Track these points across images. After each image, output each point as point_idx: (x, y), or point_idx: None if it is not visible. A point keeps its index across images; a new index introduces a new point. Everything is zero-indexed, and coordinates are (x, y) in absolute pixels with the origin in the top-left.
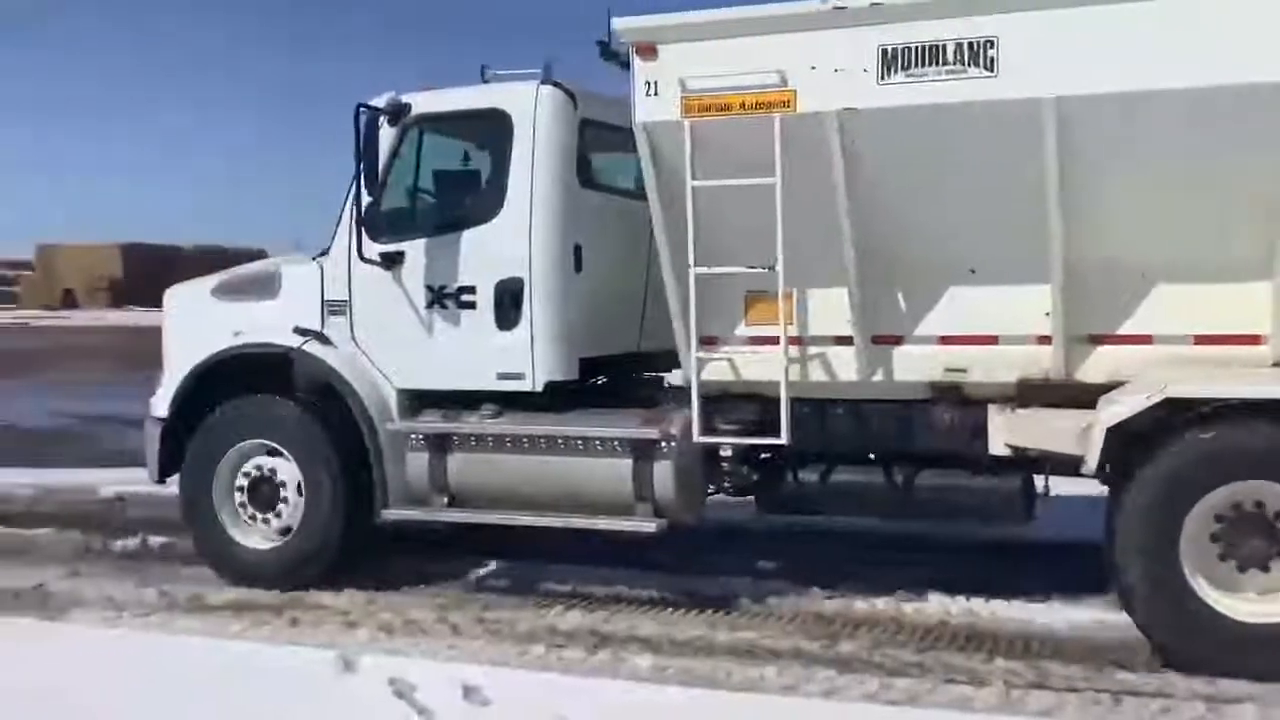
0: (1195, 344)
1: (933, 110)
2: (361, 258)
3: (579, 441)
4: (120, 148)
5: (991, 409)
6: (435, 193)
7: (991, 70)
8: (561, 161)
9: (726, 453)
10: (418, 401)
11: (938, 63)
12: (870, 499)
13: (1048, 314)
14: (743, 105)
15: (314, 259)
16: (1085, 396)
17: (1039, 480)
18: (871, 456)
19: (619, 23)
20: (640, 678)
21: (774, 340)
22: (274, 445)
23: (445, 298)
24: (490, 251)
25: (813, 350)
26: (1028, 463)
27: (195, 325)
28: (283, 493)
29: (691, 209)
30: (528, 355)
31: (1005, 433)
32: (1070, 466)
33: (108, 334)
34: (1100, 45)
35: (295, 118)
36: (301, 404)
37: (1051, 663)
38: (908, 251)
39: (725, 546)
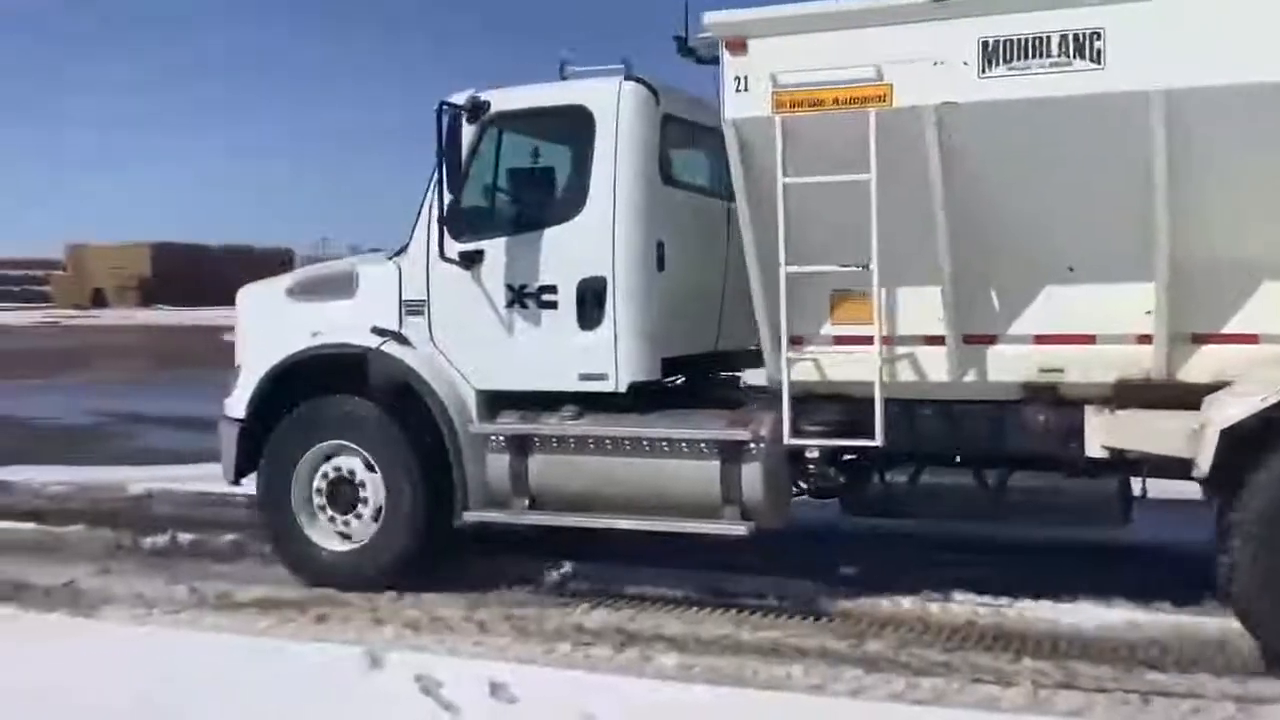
0: None
1: (1036, 104)
2: (443, 257)
3: (664, 443)
4: (147, 149)
5: (1088, 410)
6: (515, 191)
7: (1098, 62)
8: (645, 158)
9: (813, 454)
10: (495, 402)
11: (1041, 55)
12: (961, 501)
13: (1149, 312)
14: (836, 100)
15: (390, 258)
16: (1187, 397)
17: (1135, 483)
18: (954, 459)
19: (709, 17)
20: (666, 676)
21: (861, 340)
22: (353, 446)
23: (526, 297)
24: (572, 250)
25: (902, 350)
26: (1124, 465)
27: (271, 326)
28: (362, 494)
29: (782, 206)
30: (611, 355)
31: (1103, 434)
32: (1171, 469)
33: (138, 333)
34: (1210, 36)
35: (317, 117)
36: (380, 405)
37: (1080, 663)
38: (1003, 249)
39: (750, 545)
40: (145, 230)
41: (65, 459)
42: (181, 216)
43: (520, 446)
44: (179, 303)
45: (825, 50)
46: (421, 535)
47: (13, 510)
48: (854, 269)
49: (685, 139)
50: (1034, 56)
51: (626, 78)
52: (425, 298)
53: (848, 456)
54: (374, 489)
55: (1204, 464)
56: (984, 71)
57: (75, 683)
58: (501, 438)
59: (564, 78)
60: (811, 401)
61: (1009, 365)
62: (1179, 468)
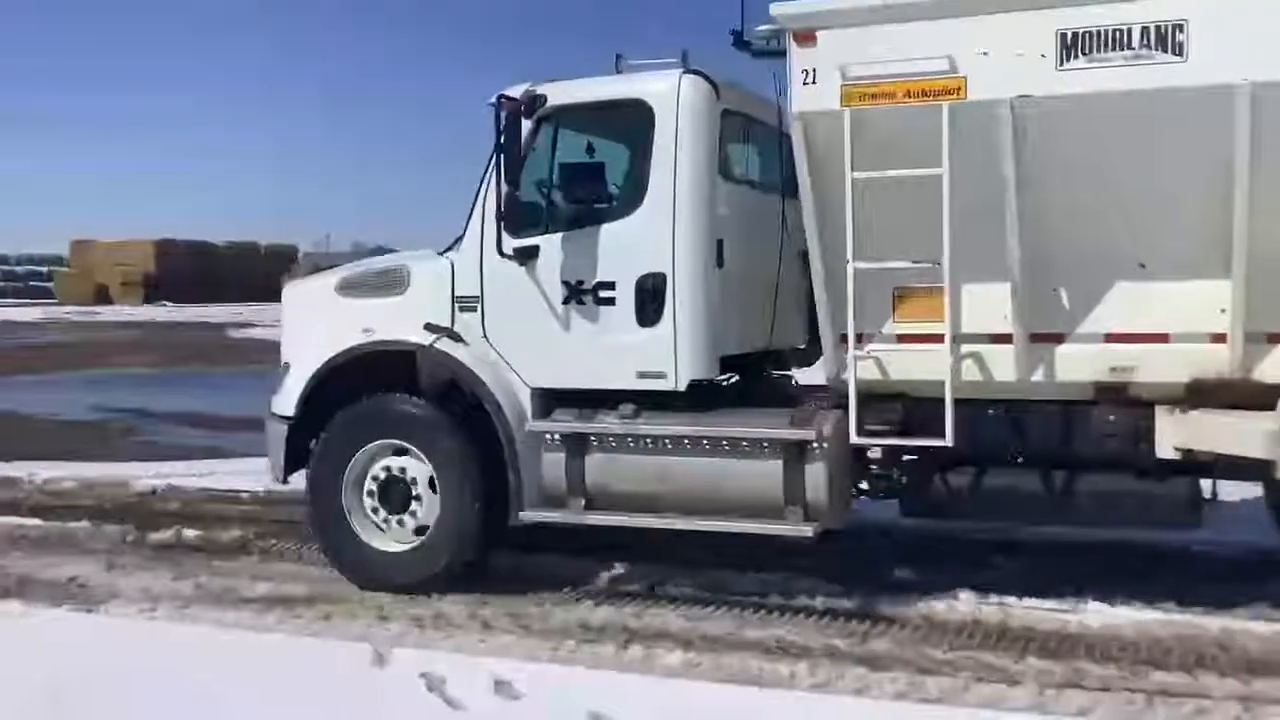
0: None
1: (1116, 98)
2: (500, 253)
3: (725, 443)
4: (147, 143)
5: (1159, 410)
6: (571, 186)
7: (1180, 55)
8: (705, 153)
9: (875, 454)
10: (549, 400)
11: (1122, 47)
12: (1026, 503)
13: (1223, 311)
14: (908, 93)
15: (441, 254)
16: (1262, 398)
17: (1205, 484)
18: (1021, 460)
19: (776, 8)
20: (671, 673)
21: (926, 338)
22: (407, 445)
23: (583, 293)
24: (631, 246)
25: (968, 349)
26: (1195, 466)
27: (321, 323)
28: (415, 492)
29: (850, 202)
30: (670, 353)
31: (1175, 435)
32: (1245, 471)
33: (143, 329)
34: None
35: (318, 114)
36: (434, 403)
37: (1085, 662)
38: (1074, 245)
39: (754, 542)
40: (148, 227)
41: (71, 455)
42: (183, 213)
43: (577, 445)
44: (184, 300)
45: (897, 42)
46: (478, 536)
47: (19, 506)
48: (925, 265)
49: (741, 133)
50: (1114, 49)
51: (686, 71)
52: (479, 294)
53: (908, 457)
54: (427, 488)
55: None
56: (1062, 64)
57: (82, 676)
58: (558, 436)
59: (619, 71)
60: (873, 401)
61: (1078, 364)
62: (1255, 470)
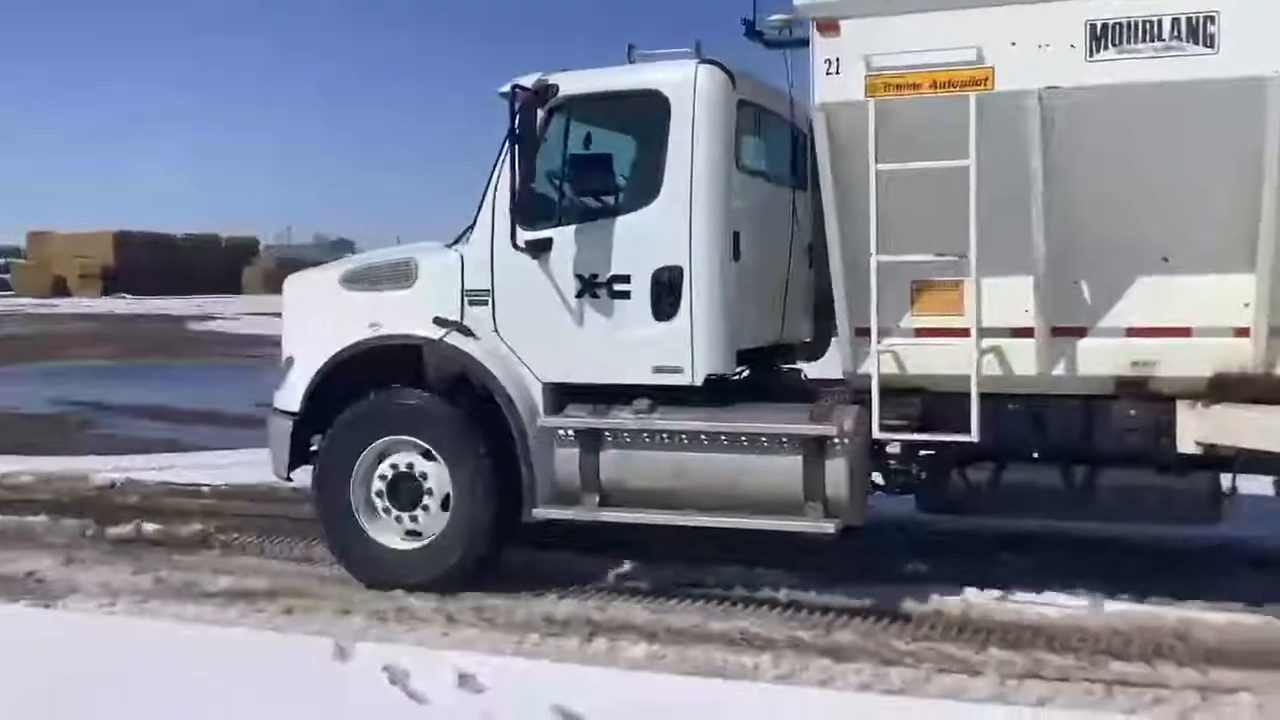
0: None
1: (1146, 89)
2: (514, 245)
3: (743, 438)
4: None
5: (1180, 405)
6: (584, 177)
7: (1211, 46)
8: (722, 144)
9: (893, 449)
10: (562, 396)
11: (1152, 38)
12: (1045, 498)
13: (1247, 305)
14: (934, 84)
15: (450, 246)
16: None
17: (1225, 479)
18: (1036, 455)
19: None
20: (636, 666)
21: (945, 332)
22: (417, 441)
23: (596, 287)
24: (646, 238)
25: (989, 343)
26: (1215, 461)
27: (325, 316)
28: (426, 488)
29: (874, 194)
30: (687, 348)
31: (1197, 429)
32: (1269, 466)
33: (102, 321)
34: None
35: (273, 105)
36: (445, 398)
37: (1045, 652)
38: (1099, 238)
39: (718, 535)
40: (107, 218)
41: (28, 448)
42: (143, 205)
43: (591, 441)
44: (143, 292)
45: (923, 31)
46: (490, 533)
47: None
48: (950, 258)
49: (754, 125)
50: (1144, 40)
51: (702, 61)
52: (489, 287)
53: (925, 452)
54: (439, 485)
55: None
56: (1091, 55)
57: (41, 672)
58: (571, 432)
59: (631, 60)
60: (890, 395)
61: (1100, 358)
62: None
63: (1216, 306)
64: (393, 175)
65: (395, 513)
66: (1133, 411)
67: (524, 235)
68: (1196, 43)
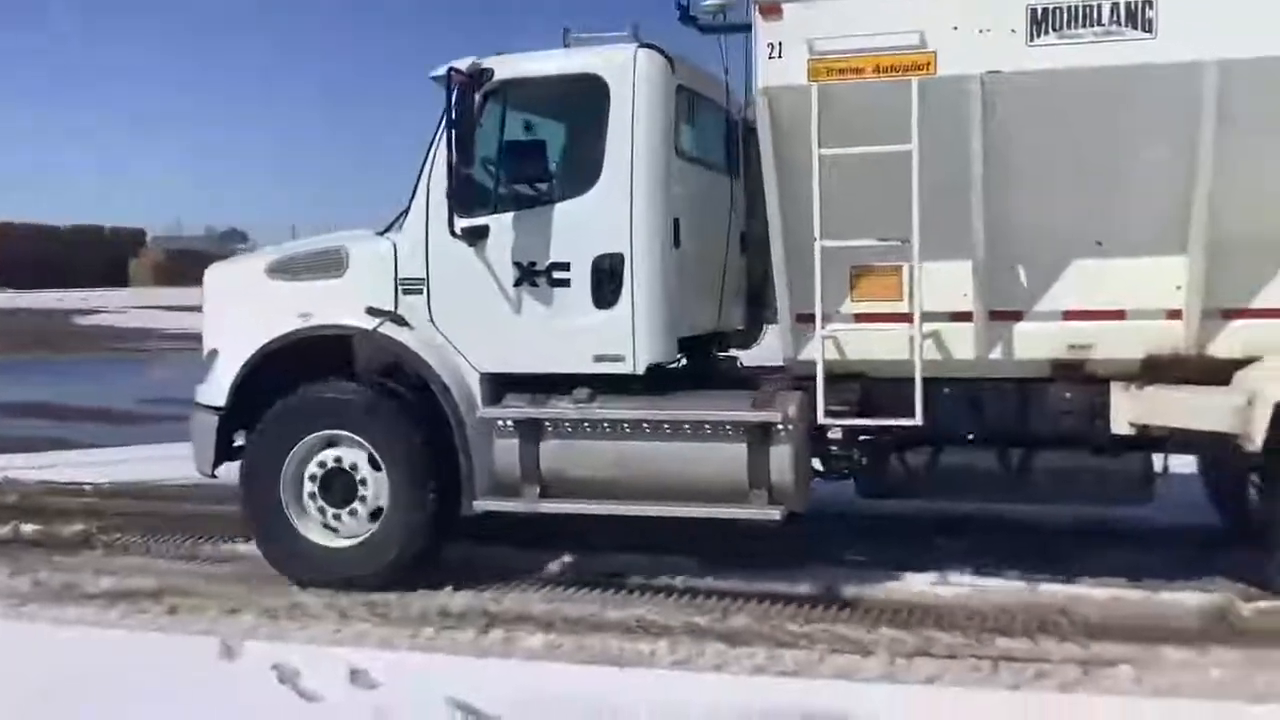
0: None
1: (1085, 74)
2: (451, 232)
3: (686, 426)
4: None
5: (1114, 386)
6: (521, 164)
7: (1149, 31)
8: (661, 129)
9: (835, 435)
10: (500, 386)
11: (1092, 23)
12: (982, 482)
13: (1179, 287)
14: (877, 68)
15: (381, 234)
16: (1216, 373)
17: (1157, 460)
18: (974, 438)
19: None
20: (532, 656)
21: (884, 317)
22: (350, 434)
23: (535, 275)
24: (586, 225)
25: (928, 327)
26: (1148, 442)
27: (250, 307)
28: (360, 484)
29: (818, 179)
30: (628, 336)
31: (1130, 411)
32: (1199, 445)
33: None
34: (1266, 6)
35: (171, 95)
36: (378, 390)
37: (934, 630)
38: (1034, 223)
39: (613, 522)
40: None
41: None
42: (22, 195)
43: (531, 431)
44: (25, 286)
45: (866, 15)
46: (428, 528)
47: None
48: (893, 243)
49: (691, 111)
50: (1084, 24)
51: (641, 45)
52: (424, 276)
53: (864, 437)
54: (374, 480)
55: (1257, 438)
56: (1032, 39)
57: None
58: (510, 422)
59: (567, 44)
60: (830, 381)
61: (1036, 342)
62: (1210, 444)
63: (1150, 289)
64: (394, 175)
65: (329, 510)
66: (1068, 394)
67: (460, 222)
68: (1135, 27)
